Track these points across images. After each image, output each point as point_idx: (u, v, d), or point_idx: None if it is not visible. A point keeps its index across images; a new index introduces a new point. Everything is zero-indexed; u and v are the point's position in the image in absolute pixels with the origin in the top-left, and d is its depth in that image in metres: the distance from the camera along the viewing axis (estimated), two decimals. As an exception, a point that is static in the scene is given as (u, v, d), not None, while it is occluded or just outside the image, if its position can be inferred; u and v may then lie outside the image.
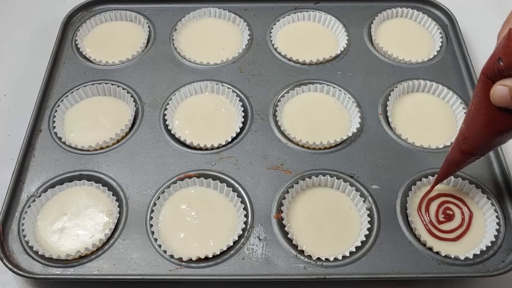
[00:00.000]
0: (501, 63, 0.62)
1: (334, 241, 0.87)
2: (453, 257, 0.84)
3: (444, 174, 0.86)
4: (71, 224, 0.88)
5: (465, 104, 1.03)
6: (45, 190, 0.91)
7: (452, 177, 0.92)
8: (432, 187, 0.90)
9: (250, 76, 1.08)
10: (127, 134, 1.00)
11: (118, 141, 0.99)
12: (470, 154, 0.78)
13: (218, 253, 0.84)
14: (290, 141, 0.98)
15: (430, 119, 1.03)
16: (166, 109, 1.02)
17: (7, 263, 0.82)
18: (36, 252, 0.84)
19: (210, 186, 0.93)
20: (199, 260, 0.84)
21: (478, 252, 0.84)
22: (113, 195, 0.91)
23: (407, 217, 0.88)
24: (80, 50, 1.13)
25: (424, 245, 0.85)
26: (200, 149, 0.97)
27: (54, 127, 0.99)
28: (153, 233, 0.86)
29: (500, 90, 0.64)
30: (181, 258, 0.83)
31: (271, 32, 1.16)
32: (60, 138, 0.98)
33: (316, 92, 1.06)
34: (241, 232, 0.86)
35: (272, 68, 1.09)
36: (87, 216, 0.89)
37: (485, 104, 0.67)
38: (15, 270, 0.82)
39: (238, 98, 1.04)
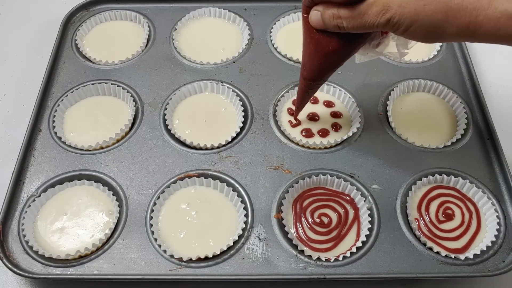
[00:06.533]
0: None
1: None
2: (453, 257, 0.84)
3: (298, 103, 0.94)
4: (71, 224, 0.88)
5: (465, 104, 1.03)
6: (45, 190, 0.91)
7: (453, 176, 0.92)
8: (295, 117, 1.00)
9: (250, 76, 1.08)
10: (127, 133, 1.00)
11: (118, 141, 0.99)
12: (311, 80, 0.85)
13: (218, 253, 0.84)
14: (290, 141, 0.98)
15: (430, 118, 1.03)
16: (166, 108, 1.02)
17: (7, 263, 0.82)
18: (36, 252, 0.84)
19: (210, 186, 0.93)
20: (199, 260, 0.84)
21: (479, 252, 0.84)
22: (113, 194, 0.91)
23: (407, 217, 0.88)
24: (80, 49, 1.13)
25: (424, 245, 0.85)
26: (200, 148, 0.97)
27: (54, 127, 0.99)
28: (153, 232, 0.86)
29: (314, 14, 0.74)
30: (181, 258, 0.83)
31: (271, 32, 1.16)
32: (60, 138, 0.98)
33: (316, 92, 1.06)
34: (241, 232, 0.86)
35: (272, 68, 1.09)
36: (87, 216, 0.89)
37: (308, 29, 0.77)
38: (15, 270, 0.82)
39: (238, 98, 1.04)
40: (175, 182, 0.92)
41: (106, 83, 1.06)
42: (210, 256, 0.84)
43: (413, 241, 0.86)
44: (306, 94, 0.90)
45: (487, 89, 1.10)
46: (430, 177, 0.93)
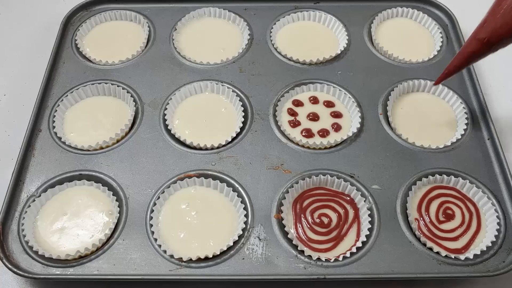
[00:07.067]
0: None
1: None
2: (453, 257, 0.84)
3: (454, 67, 0.85)
4: (71, 224, 0.88)
5: (465, 104, 1.03)
6: (45, 190, 0.91)
7: (453, 176, 0.92)
8: (439, 81, 0.92)
9: (250, 76, 1.08)
10: (127, 134, 1.00)
11: (118, 141, 0.99)
12: (487, 42, 0.77)
13: (218, 253, 0.84)
14: (290, 141, 0.98)
15: (430, 119, 1.03)
16: (166, 109, 1.02)
17: (7, 263, 0.82)
18: (36, 252, 0.84)
19: (210, 186, 0.92)
20: (199, 260, 0.84)
21: (479, 252, 0.84)
22: (113, 195, 0.91)
23: (407, 217, 0.88)
24: (80, 50, 1.13)
25: (424, 245, 0.85)
26: (200, 149, 0.97)
27: (54, 127, 0.99)
28: (153, 233, 0.86)
29: None
30: (181, 258, 0.83)
31: (271, 32, 1.16)
32: (60, 138, 0.98)
33: (316, 92, 1.06)
34: (241, 232, 0.86)
35: (272, 68, 1.09)
36: (87, 216, 0.89)
37: None
38: (15, 270, 0.82)
39: (238, 98, 1.04)
40: (175, 182, 0.92)
41: (106, 83, 1.06)
42: (210, 256, 0.84)
43: (413, 241, 0.86)
44: (469, 59, 0.81)
45: (487, 89, 1.10)
46: (430, 177, 0.93)
